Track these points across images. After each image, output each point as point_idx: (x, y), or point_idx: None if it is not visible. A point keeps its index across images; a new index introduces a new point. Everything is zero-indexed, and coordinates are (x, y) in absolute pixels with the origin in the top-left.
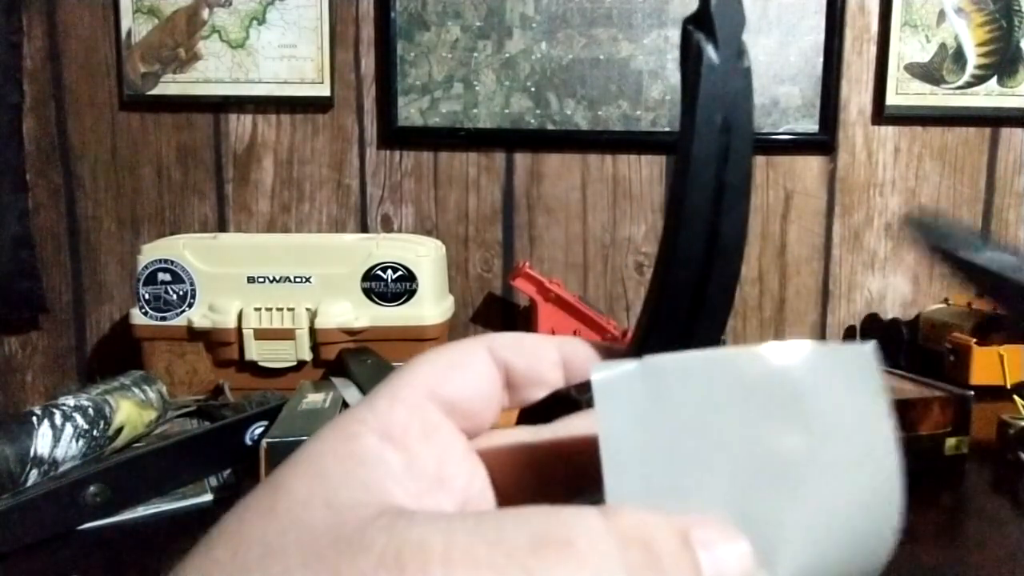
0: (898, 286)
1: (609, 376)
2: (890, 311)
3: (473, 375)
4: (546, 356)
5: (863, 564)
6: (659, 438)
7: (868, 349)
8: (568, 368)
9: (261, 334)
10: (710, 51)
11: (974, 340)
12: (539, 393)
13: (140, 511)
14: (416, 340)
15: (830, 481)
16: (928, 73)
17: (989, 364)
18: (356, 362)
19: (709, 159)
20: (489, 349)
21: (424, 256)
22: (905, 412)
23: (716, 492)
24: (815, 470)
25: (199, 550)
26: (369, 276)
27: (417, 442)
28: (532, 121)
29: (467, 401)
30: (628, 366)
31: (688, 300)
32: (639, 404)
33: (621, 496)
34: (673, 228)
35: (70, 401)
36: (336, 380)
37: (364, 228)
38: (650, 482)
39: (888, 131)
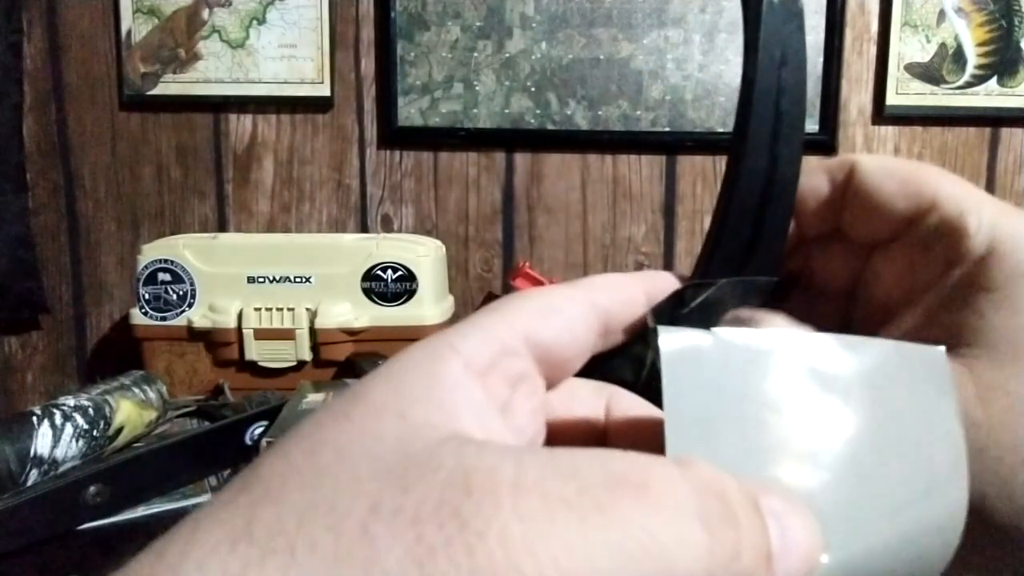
0: None
1: (677, 345)
2: None
3: (571, 321)
4: (636, 299)
5: (920, 563)
6: (723, 410)
7: (940, 350)
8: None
9: (261, 334)
10: None
11: None
12: (624, 338)
13: (140, 511)
14: (416, 341)
15: (892, 472)
16: (928, 73)
17: None
18: (370, 366)
19: (770, 90)
20: (587, 293)
21: (424, 256)
22: None
23: (776, 470)
24: (877, 459)
25: (274, 451)
26: (369, 276)
27: (499, 382)
28: (532, 121)
29: (561, 348)
30: (697, 336)
31: (749, 227)
32: (705, 375)
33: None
34: (737, 154)
35: (70, 401)
36: (350, 382)
37: (364, 228)
38: (711, 453)
39: (888, 131)
